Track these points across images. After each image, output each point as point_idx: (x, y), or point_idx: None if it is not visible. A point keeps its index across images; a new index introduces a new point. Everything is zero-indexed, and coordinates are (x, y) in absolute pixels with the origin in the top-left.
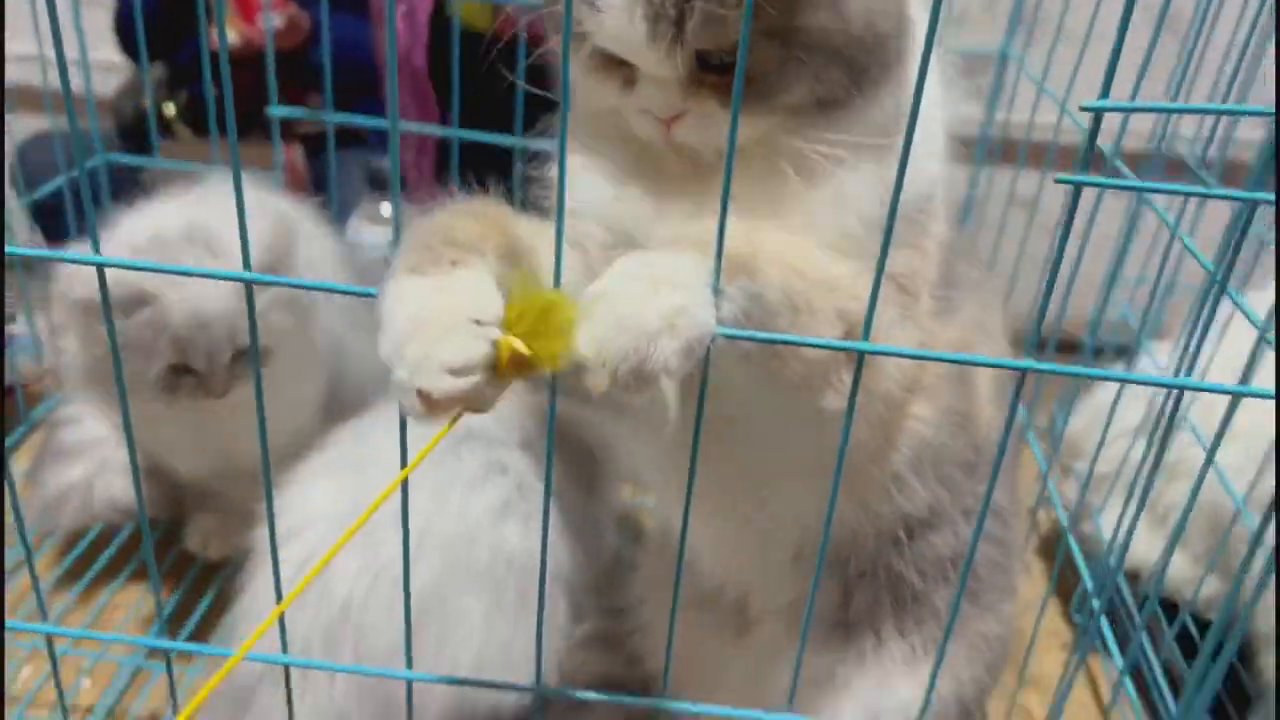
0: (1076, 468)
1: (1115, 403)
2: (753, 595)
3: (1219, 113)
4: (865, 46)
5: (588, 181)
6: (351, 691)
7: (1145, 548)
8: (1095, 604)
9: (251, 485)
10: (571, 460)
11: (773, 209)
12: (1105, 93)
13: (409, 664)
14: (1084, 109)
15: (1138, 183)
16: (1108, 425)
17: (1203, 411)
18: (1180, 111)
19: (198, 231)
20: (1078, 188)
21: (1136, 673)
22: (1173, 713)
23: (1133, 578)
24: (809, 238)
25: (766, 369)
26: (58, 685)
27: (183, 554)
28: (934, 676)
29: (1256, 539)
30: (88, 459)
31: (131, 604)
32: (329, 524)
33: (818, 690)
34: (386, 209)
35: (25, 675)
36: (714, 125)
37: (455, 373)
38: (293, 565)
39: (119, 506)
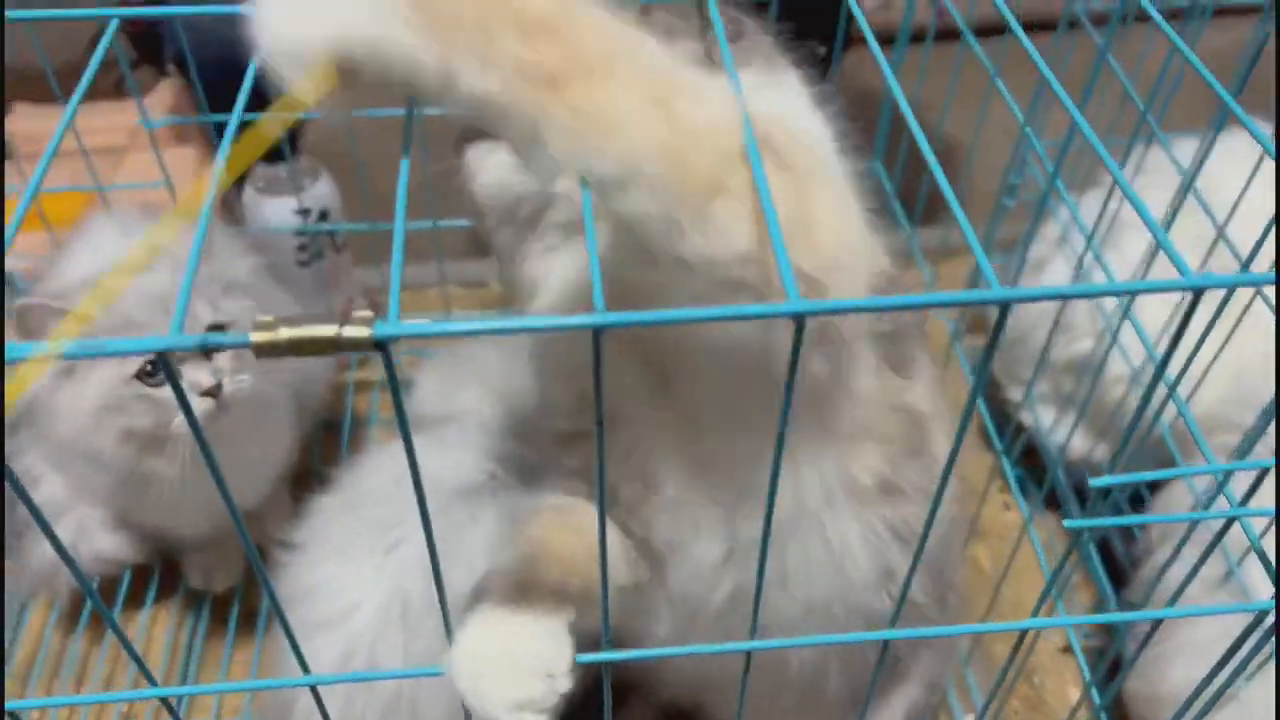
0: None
1: None
2: None
3: None
4: None
5: None
6: None
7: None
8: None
9: (249, 524)
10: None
11: None
12: None
13: None
14: None
15: None
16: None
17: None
18: None
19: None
20: None
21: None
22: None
23: None
24: None
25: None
26: None
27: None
28: None
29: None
30: (64, 523)
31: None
32: (372, 614)
33: None
34: (283, 174)
35: None
36: None
37: (522, 707)
38: (334, 659)
39: (109, 559)
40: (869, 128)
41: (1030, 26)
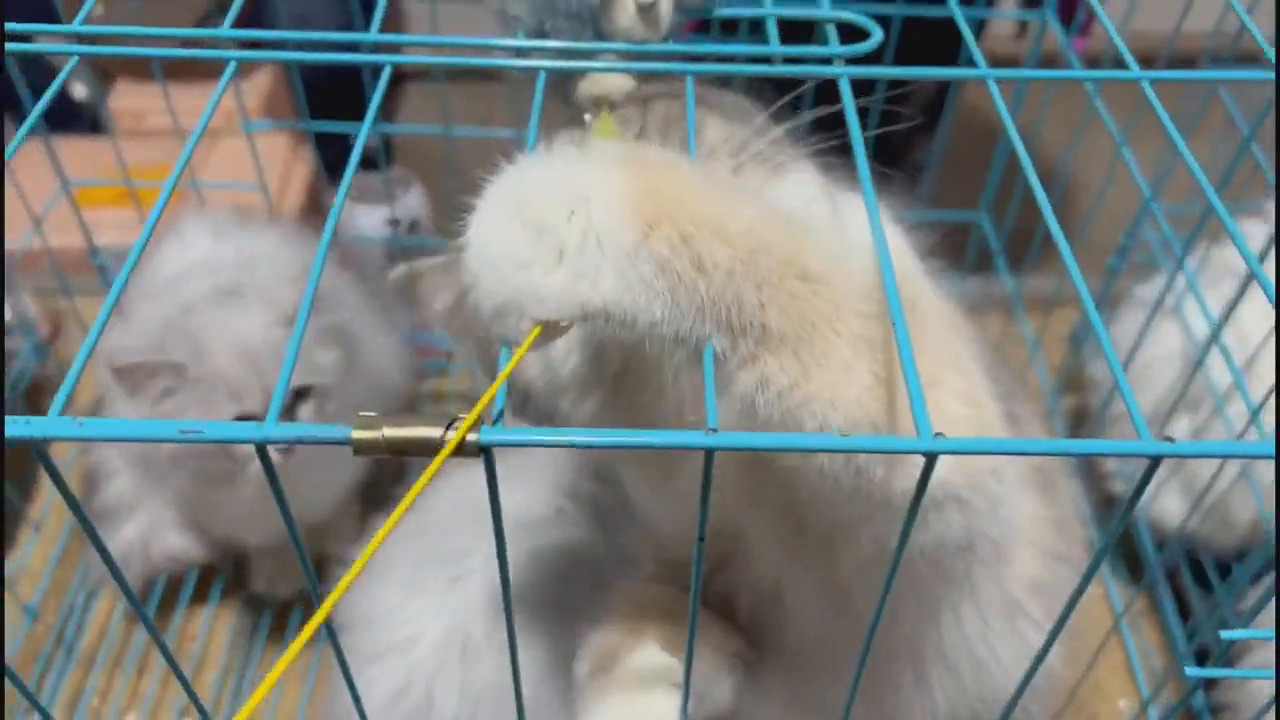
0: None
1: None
2: None
3: None
4: None
5: None
6: None
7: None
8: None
9: (312, 535)
10: None
11: None
12: None
13: None
14: None
15: None
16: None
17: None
18: None
19: (226, 291)
20: None
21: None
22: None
23: None
24: None
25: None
26: None
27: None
28: None
29: None
30: (137, 519)
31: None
32: (432, 647)
33: None
34: (377, 182)
35: None
36: None
37: None
38: (389, 690)
39: (178, 557)
40: (986, 163)
41: (1179, 62)
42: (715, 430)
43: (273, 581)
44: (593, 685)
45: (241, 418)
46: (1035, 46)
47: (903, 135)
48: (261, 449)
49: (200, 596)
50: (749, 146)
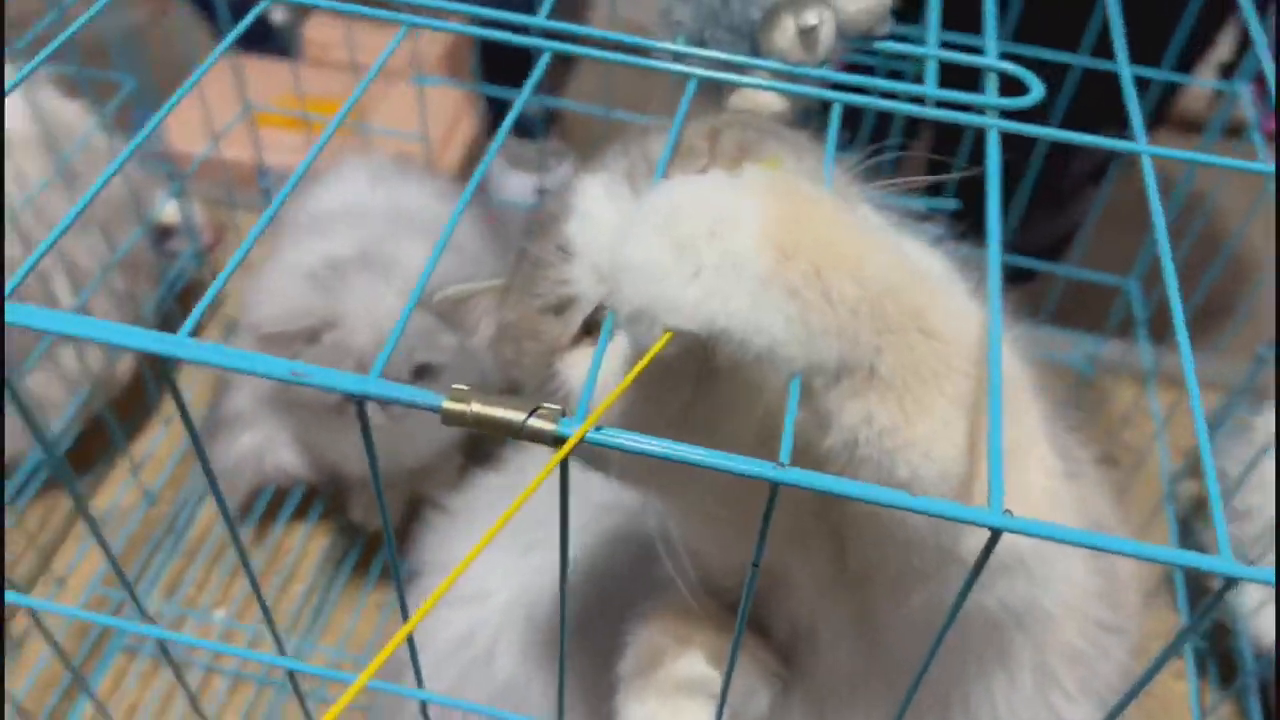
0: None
1: None
2: None
3: None
4: None
5: None
6: None
7: None
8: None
9: (412, 477)
10: None
11: None
12: None
13: None
14: None
15: None
16: None
17: None
18: None
19: (372, 257)
20: None
21: None
22: None
23: None
24: None
25: None
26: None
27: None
28: None
29: None
30: (255, 430)
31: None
32: (500, 606)
33: None
34: (532, 151)
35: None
36: None
37: None
38: (454, 638)
39: (287, 473)
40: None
41: None
42: (785, 465)
43: (368, 513)
44: (634, 684)
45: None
46: (1220, 118)
47: (1070, 187)
48: (360, 402)
49: (300, 514)
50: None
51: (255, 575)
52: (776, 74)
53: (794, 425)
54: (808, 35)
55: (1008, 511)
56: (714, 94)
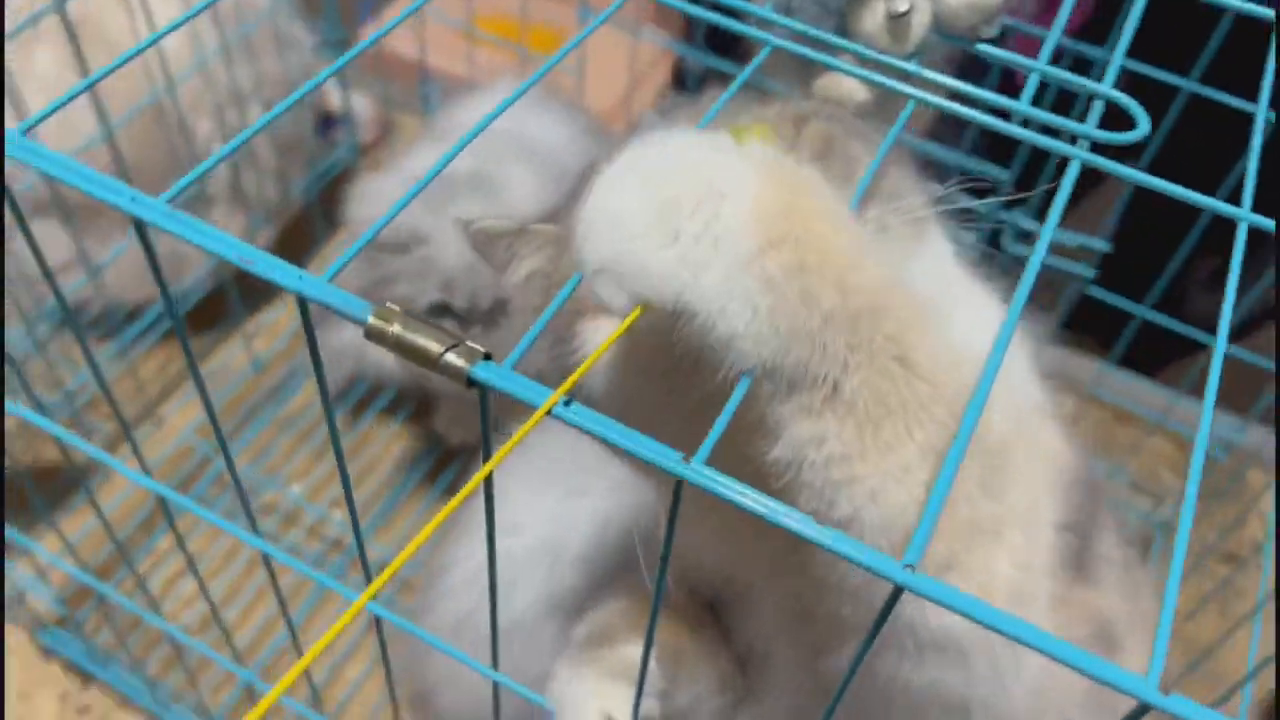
0: None
1: None
2: None
3: None
4: None
5: None
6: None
7: None
8: None
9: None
10: None
11: None
12: None
13: None
14: None
15: None
16: None
17: None
18: None
19: (482, 179)
20: None
21: None
22: None
23: None
24: None
25: None
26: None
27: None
28: None
29: None
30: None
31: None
32: (526, 544)
33: None
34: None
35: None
36: None
37: None
38: (480, 564)
39: (384, 371)
40: None
41: None
42: (700, 464)
43: (449, 426)
44: (579, 653)
45: (440, 306)
46: None
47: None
48: (303, 303)
49: (389, 413)
50: (902, 196)
51: (344, 458)
52: (860, 60)
53: (728, 424)
54: (897, 22)
55: (910, 568)
56: (803, 71)
